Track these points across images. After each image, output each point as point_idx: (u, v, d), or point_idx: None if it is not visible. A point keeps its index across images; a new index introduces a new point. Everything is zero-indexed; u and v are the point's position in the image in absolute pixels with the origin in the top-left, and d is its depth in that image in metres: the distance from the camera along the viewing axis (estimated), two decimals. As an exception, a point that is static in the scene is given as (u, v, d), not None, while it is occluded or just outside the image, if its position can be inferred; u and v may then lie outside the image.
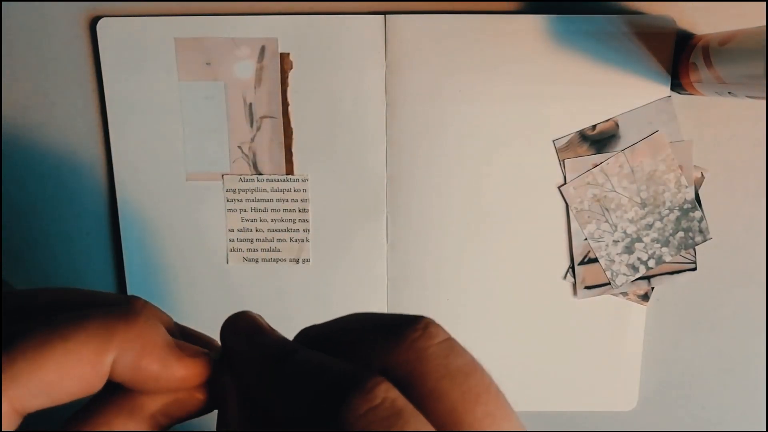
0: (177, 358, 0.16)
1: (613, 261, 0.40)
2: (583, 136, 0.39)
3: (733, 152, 0.39)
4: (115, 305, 0.17)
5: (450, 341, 0.15)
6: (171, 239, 0.40)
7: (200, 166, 0.39)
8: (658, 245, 0.40)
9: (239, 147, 0.39)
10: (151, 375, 0.16)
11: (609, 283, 0.40)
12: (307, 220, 0.40)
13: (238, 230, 0.40)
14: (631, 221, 0.40)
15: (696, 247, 0.40)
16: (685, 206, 0.39)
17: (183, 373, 0.16)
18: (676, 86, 0.38)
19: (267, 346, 0.16)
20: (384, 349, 0.15)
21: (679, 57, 0.37)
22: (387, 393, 0.13)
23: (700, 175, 0.39)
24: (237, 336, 0.17)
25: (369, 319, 0.16)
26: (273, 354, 0.16)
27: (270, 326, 0.18)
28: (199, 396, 0.17)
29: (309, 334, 0.17)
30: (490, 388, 0.14)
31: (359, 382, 0.13)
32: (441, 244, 0.40)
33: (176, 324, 0.19)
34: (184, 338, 0.18)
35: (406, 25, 0.37)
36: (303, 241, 0.40)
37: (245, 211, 0.40)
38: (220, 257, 0.41)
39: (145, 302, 0.18)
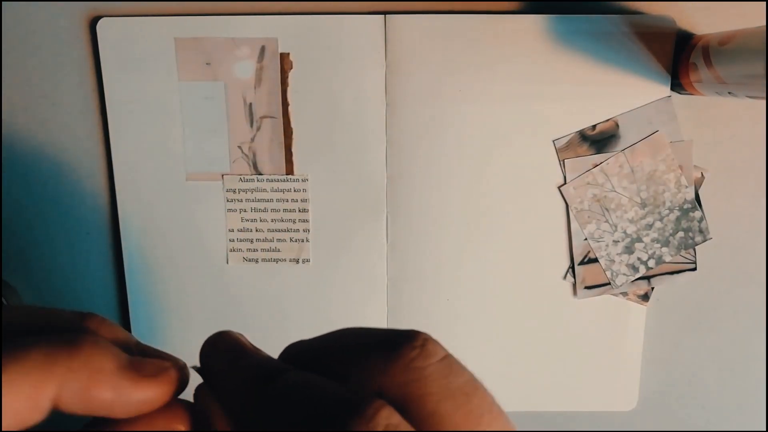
0: (132, 382, 0.15)
1: (613, 261, 0.40)
2: (583, 136, 0.39)
3: (733, 152, 0.39)
4: (65, 330, 0.16)
5: (449, 359, 0.14)
6: (171, 239, 0.40)
7: (200, 166, 0.39)
8: (658, 245, 0.40)
9: (239, 147, 0.39)
10: (103, 403, 0.15)
11: (609, 283, 0.40)
12: (307, 220, 0.40)
13: (238, 230, 0.40)
14: (631, 221, 0.40)
15: (696, 247, 0.40)
16: (685, 206, 0.39)
17: (141, 396, 0.15)
18: (676, 86, 0.38)
19: (251, 366, 0.15)
20: (379, 368, 0.14)
21: (679, 57, 0.37)
22: (390, 419, 0.13)
23: (700, 175, 0.39)
24: (218, 357, 0.16)
25: (361, 335, 0.15)
26: (258, 374, 0.15)
27: (253, 345, 0.17)
28: (180, 427, 0.16)
29: (292, 352, 0.16)
30: (492, 408, 0.14)
31: (359, 407, 0.13)
32: (441, 244, 0.40)
33: (138, 343, 0.18)
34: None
35: (406, 25, 0.37)
36: (303, 241, 0.40)
37: (245, 211, 0.40)
38: (220, 257, 0.41)
39: (102, 320, 0.17)
